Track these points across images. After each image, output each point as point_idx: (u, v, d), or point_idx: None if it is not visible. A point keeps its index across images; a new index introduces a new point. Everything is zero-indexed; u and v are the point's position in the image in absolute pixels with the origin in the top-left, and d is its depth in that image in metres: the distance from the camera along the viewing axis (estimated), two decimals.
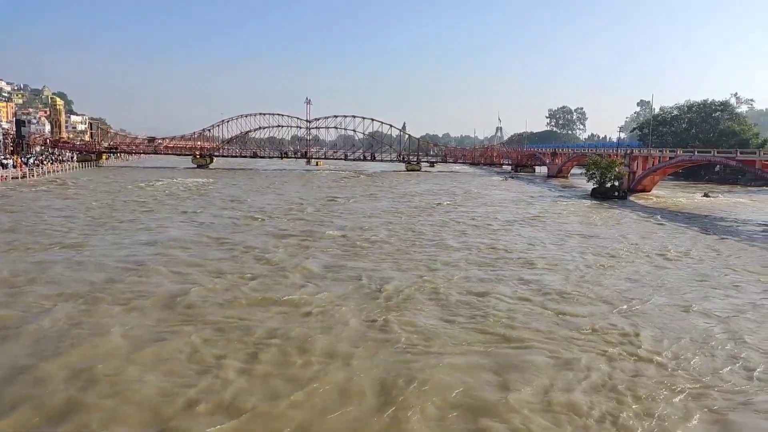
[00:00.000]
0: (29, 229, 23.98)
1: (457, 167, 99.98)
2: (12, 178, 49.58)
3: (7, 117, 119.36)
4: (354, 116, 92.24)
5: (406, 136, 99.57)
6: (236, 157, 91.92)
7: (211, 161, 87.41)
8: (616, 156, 54.86)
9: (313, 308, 14.01)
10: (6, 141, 75.20)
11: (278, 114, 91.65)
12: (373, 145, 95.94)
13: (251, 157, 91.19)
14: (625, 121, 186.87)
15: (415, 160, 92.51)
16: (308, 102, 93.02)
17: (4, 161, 54.24)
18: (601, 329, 13.05)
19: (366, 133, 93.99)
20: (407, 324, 13.09)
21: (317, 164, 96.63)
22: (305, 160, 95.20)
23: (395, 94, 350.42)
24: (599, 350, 11.81)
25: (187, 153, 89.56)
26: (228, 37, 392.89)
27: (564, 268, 19.48)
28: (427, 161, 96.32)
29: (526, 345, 12.05)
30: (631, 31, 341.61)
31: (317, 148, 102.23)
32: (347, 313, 13.66)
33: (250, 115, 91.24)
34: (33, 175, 53.45)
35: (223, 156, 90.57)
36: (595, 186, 49.58)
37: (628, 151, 57.50)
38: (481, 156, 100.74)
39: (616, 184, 49.42)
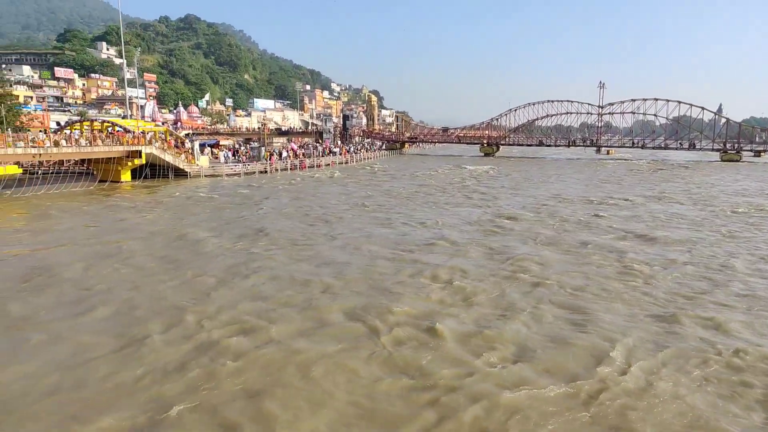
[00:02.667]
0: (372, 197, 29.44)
1: None
2: (339, 163, 60.83)
3: (337, 112, 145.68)
4: (656, 99, 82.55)
5: (723, 120, 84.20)
6: (522, 145, 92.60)
7: (497, 150, 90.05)
8: None
9: None
10: (335, 132, 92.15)
11: (567, 101, 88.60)
12: (678, 131, 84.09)
13: (537, 145, 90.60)
14: None
15: (733, 148, 77.71)
16: (602, 86, 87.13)
17: (334, 149, 66.71)
18: None
19: (669, 117, 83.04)
20: None
21: (608, 153, 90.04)
22: (594, 148, 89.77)
23: (708, 71, 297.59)
24: None
25: (475, 142, 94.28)
26: (515, 29, 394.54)
27: None
28: (751, 150, 79.73)
29: None
30: None
31: (608, 136, 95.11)
32: None
33: (538, 102, 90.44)
34: (353, 161, 64.45)
35: (508, 144, 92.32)
36: None
37: None
38: None
39: None
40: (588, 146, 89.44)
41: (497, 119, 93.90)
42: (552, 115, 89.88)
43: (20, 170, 35.11)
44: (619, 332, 11.18)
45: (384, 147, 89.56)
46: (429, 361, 9.78)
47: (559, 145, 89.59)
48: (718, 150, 78.43)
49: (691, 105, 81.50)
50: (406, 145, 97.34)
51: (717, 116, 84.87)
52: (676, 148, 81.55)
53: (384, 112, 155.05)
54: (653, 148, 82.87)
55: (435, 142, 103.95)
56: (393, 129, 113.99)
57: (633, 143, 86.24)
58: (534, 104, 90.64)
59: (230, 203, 29.95)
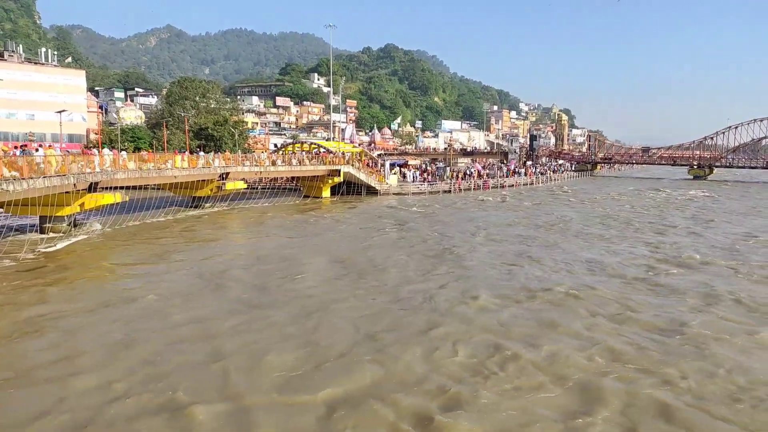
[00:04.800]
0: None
1: None
2: (523, 184, 59.59)
3: (524, 133, 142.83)
4: None
5: None
6: (743, 168, 79.97)
7: (710, 172, 79.14)
8: None
9: None
10: (521, 153, 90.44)
11: None
12: None
13: (763, 168, 77.32)
14: None
15: None
16: None
17: (519, 170, 65.56)
18: None
19: None
20: None
21: None
22: None
23: None
24: None
25: (682, 163, 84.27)
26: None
27: None
28: None
29: None
30: None
31: None
32: None
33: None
34: (538, 183, 62.55)
35: (725, 167, 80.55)
36: None
37: None
38: None
39: None
40: None
41: (712, 138, 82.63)
42: None
43: (245, 185, 41.72)
44: None
45: (573, 168, 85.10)
46: None
47: None
48: None
49: None
50: (599, 167, 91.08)
51: None
52: None
53: (575, 131, 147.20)
54: None
55: (633, 163, 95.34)
56: (584, 149, 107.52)
57: None
58: (762, 120, 77.85)
59: (408, 219, 31.66)
